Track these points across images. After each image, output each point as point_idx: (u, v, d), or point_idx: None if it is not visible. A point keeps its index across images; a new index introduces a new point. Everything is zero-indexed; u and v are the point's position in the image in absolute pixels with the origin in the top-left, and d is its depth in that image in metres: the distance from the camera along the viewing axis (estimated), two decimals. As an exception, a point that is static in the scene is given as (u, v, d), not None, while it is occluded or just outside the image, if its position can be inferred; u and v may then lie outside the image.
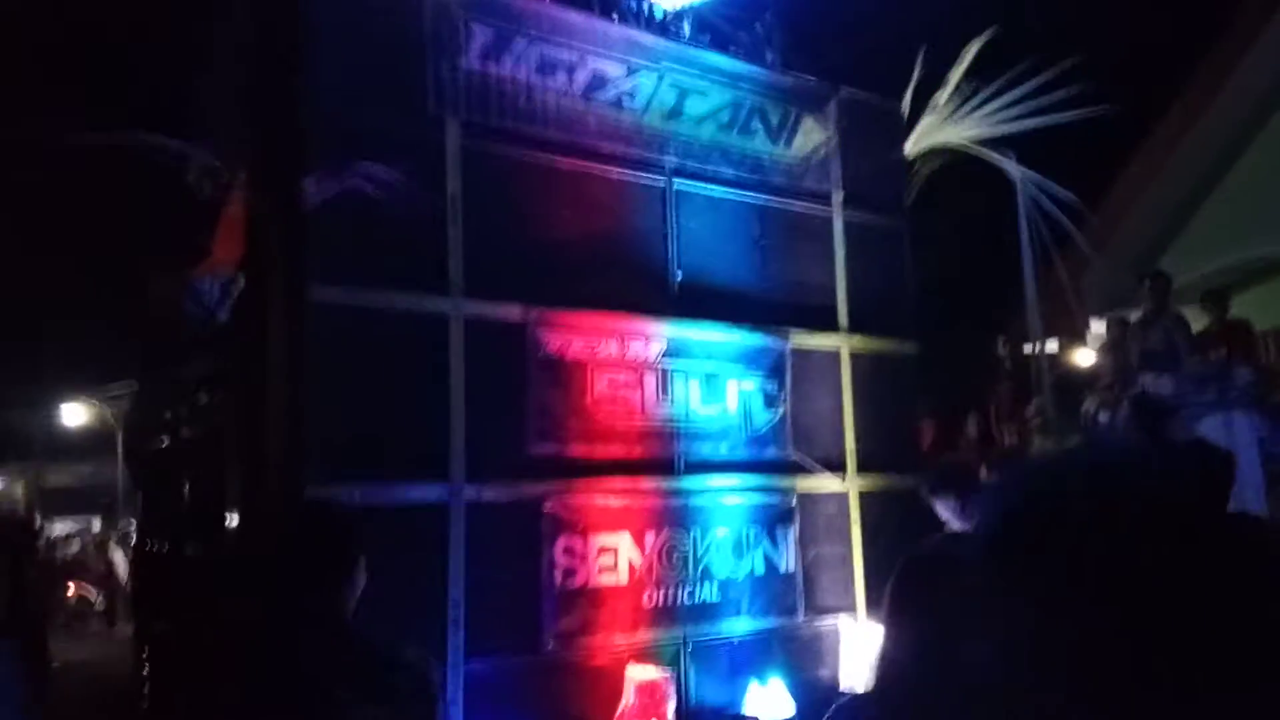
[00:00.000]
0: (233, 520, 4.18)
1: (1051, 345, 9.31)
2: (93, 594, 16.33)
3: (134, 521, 10.65)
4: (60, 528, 20.85)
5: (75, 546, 18.66)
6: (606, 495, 4.67)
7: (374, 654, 2.14)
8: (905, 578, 2.02)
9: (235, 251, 4.88)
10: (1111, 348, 8.26)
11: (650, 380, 4.88)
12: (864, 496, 5.58)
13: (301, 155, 3.97)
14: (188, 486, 5.66)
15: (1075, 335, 9.30)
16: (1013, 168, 5.89)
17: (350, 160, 3.93)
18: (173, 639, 5.25)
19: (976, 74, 5.97)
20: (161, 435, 6.28)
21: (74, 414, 20.86)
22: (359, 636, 2.16)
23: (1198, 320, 7.85)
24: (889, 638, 1.94)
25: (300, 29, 4.08)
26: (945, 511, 4.37)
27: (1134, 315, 8.17)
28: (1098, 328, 9.71)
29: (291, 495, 3.89)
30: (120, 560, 15.16)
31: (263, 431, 4.16)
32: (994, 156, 5.89)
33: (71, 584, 16.43)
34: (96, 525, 20.34)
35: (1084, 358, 9.20)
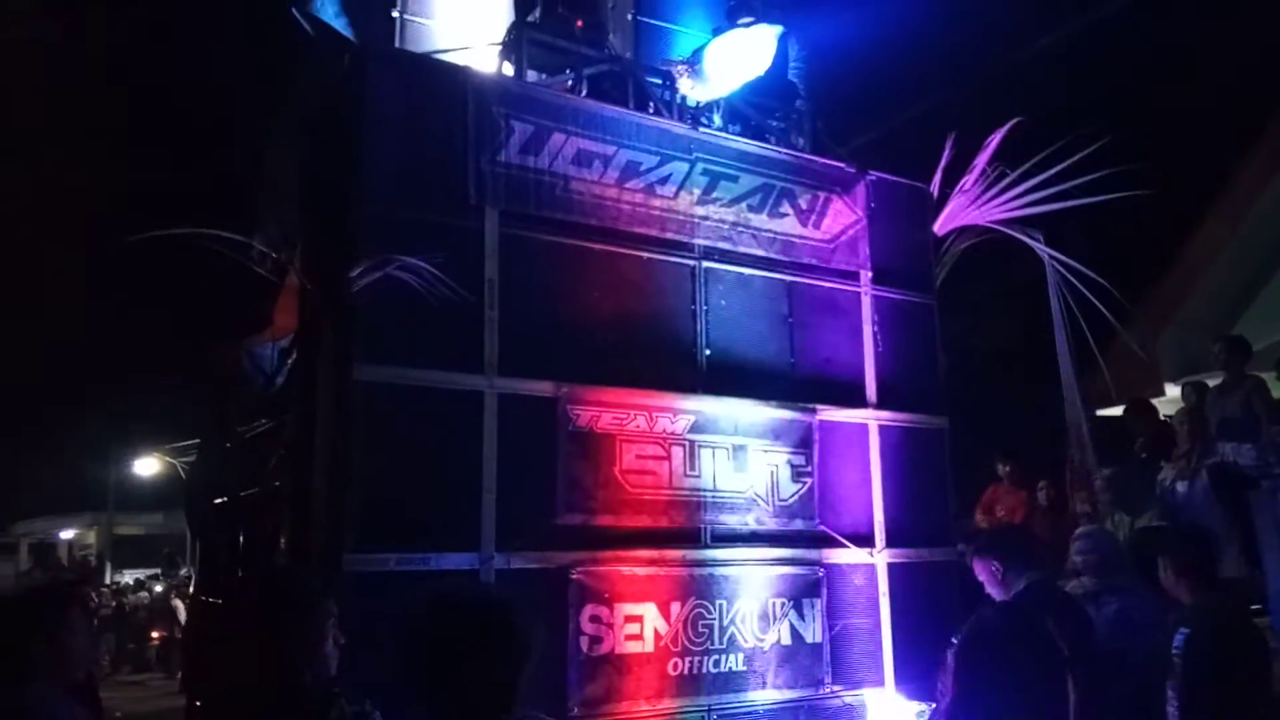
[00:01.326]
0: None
1: (1119, 410, 9.10)
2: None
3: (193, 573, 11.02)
4: (129, 576, 21.50)
5: (144, 595, 19.22)
6: (633, 565, 4.80)
7: (312, 712, 2.33)
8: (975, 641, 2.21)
9: (292, 322, 5.24)
10: (1188, 415, 7.87)
11: (678, 453, 5.02)
12: (893, 569, 5.63)
13: (351, 244, 4.29)
14: (241, 543, 5.95)
15: (1140, 405, 9.04)
16: (1040, 248, 5.97)
17: (396, 248, 4.23)
18: (218, 693, 5.49)
19: (1008, 155, 6.09)
20: (219, 492, 6.60)
21: (146, 465, 21.64)
22: (300, 697, 2.34)
23: (1275, 388, 7.57)
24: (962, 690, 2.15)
25: (352, 131, 4.44)
26: (983, 575, 4.33)
27: (1212, 381, 7.89)
28: (1173, 392, 9.44)
29: (332, 560, 4.13)
30: (181, 609, 15.63)
31: (308, 498, 4.44)
32: (1021, 236, 5.98)
33: (155, 632, 16.89)
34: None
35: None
